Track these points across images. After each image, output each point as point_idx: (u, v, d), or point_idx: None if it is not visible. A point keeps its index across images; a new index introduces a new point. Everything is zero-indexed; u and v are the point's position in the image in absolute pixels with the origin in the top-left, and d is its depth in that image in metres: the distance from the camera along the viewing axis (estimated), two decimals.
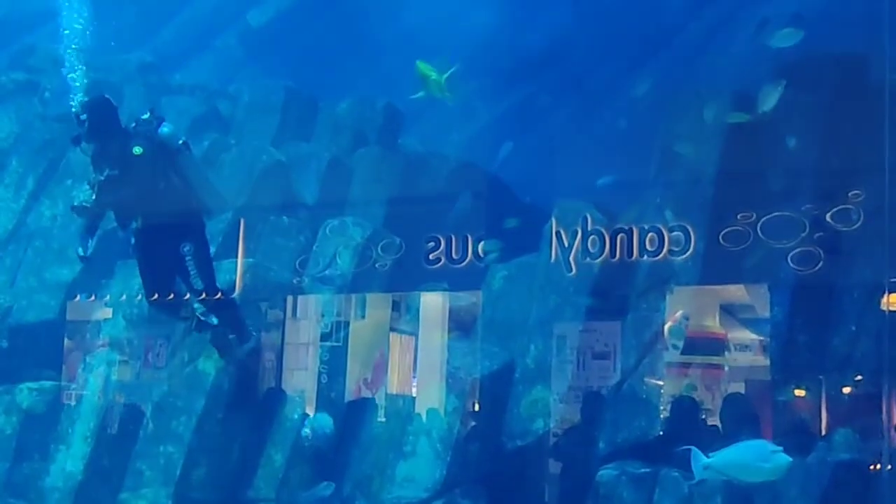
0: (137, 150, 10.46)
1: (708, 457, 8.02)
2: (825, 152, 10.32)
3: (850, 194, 10.80)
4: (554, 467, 10.53)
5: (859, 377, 11.22)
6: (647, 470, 9.60)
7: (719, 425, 10.36)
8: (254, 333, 11.42)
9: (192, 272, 10.73)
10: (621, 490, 9.59)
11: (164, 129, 10.70)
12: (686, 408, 10.56)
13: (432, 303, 13.53)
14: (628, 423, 10.25)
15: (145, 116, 10.83)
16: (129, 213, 10.81)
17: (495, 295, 11.15)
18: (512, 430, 10.41)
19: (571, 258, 12.08)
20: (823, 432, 10.28)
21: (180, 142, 10.74)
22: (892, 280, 11.22)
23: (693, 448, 7.69)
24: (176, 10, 14.53)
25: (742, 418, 9.91)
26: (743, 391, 13.21)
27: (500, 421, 10.44)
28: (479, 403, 10.86)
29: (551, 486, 10.52)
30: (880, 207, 10.55)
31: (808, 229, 11.29)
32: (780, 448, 7.25)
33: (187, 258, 10.71)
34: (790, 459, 7.15)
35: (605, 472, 9.71)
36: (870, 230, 10.61)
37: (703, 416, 11.05)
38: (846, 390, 11.39)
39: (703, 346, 13.46)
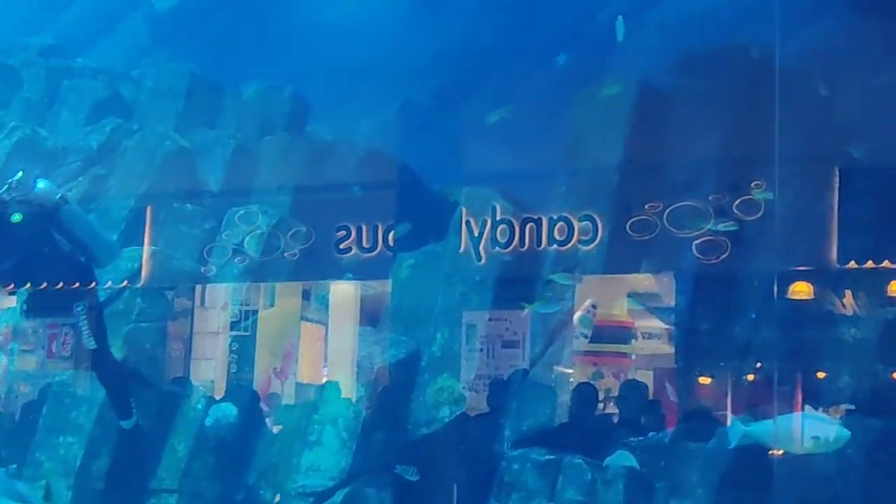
0: (16, 217, 10.06)
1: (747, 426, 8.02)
2: (729, 142, 10.44)
3: (752, 184, 10.99)
4: (460, 455, 10.56)
5: (759, 364, 11.45)
6: (552, 457, 9.65)
7: (620, 412, 10.46)
8: (134, 412, 11.05)
9: (84, 332, 10.52)
10: (526, 477, 9.65)
11: (40, 185, 10.33)
12: (589, 395, 10.63)
13: (342, 291, 13.50)
14: (534, 410, 10.31)
15: (18, 177, 10.35)
16: (16, 281, 10.56)
17: (402, 284, 11.14)
18: (418, 418, 10.42)
19: (481, 247, 12.15)
20: (724, 419, 10.42)
21: (58, 196, 10.40)
22: (792, 269, 11.48)
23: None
24: None
25: (642, 405, 10.01)
26: (649, 379, 13.39)
27: (406, 409, 10.45)
28: (385, 392, 10.84)
29: (457, 474, 10.56)
30: (778, 197, 10.77)
31: (713, 219, 11.48)
32: (839, 420, 7.28)
33: (80, 318, 10.48)
34: (849, 433, 7.18)
35: (510, 459, 9.75)
36: (769, 220, 10.82)
37: (606, 404, 11.16)
38: (748, 377, 11.60)
39: (610, 334, 13.60)
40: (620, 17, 9.96)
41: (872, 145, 9.95)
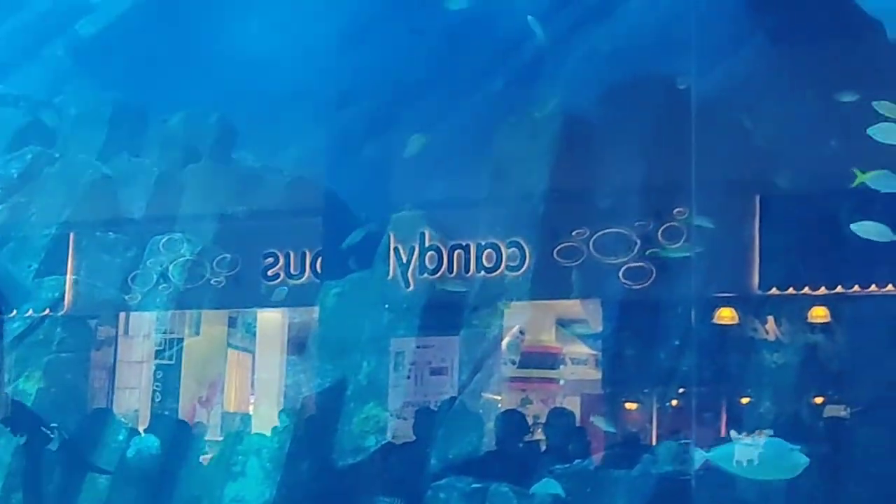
0: None
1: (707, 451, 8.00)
2: (653, 170, 10.56)
3: (675, 211, 11.13)
4: (386, 484, 10.53)
5: (684, 390, 11.56)
6: (478, 485, 9.65)
7: (547, 439, 10.48)
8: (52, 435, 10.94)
9: None
10: None
11: None
12: (516, 422, 10.64)
13: (270, 319, 13.44)
14: (461, 438, 10.30)
15: None
16: None
17: (329, 312, 11.10)
18: (343, 447, 10.37)
19: (409, 273, 12.15)
20: (649, 444, 10.50)
21: None
22: (717, 295, 11.62)
23: (690, 441, 7.72)
24: (1, 17, 14.08)
25: (569, 432, 10.04)
26: (577, 404, 13.45)
27: (331, 439, 10.39)
28: (311, 421, 10.78)
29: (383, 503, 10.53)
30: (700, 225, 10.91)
31: (638, 246, 11.59)
32: (798, 447, 7.32)
33: None
34: (807, 461, 7.22)
35: (436, 488, 9.74)
36: (696, 247, 10.94)
37: (534, 430, 11.17)
38: (672, 403, 11.71)
39: (539, 360, 13.67)
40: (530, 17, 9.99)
41: (793, 173, 10.10)
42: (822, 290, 11.27)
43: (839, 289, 11.18)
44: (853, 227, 7.88)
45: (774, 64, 9.91)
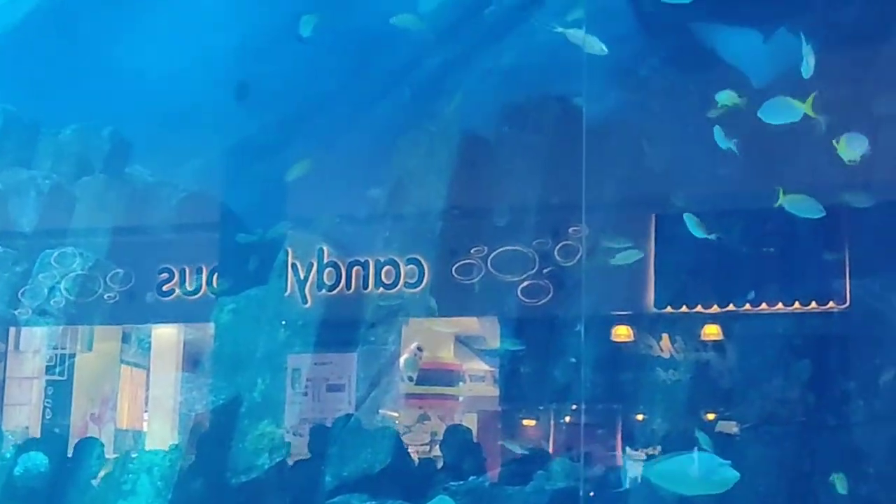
0: None
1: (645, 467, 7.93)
2: (550, 189, 10.66)
3: (571, 230, 11.26)
4: (280, 502, 10.44)
5: (580, 406, 11.68)
6: (373, 503, 9.63)
7: (442, 456, 10.49)
8: None
9: None
10: None
11: None
12: (413, 439, 10.64)
13: (164, 335, 13.26)
14: (356, 455, 10.26)
15: None
16: None
17: (224, 328, 10.98)
18: (237, 465, 10.25)
19: (307, 289, 12.09)
20: (543, 461, 10.55)
21: None
22: (613, 313, 11.76)
23: (626, 457, 7.68)
24: None
25: (464, 449, 10.06)
26: (475, 421, 13.50)
27: (224, 456, 10.27)
28: (204, 439, 10.64)
29: None
30: (599, 243, 11.04)
31: (536, 263, 11.69)
32: (728, 462, 7.33)
33: None
34: (737, 475, 7.25)
35: None
36: (590, 265, 11.07)
37: (430, 447, 11.19)
38: (568, 420, 11.82)
39: (437, 377, 13.69)
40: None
41: (687, 193, 10.25)
42: (715, 309, 11.49)
43: (731, 307, 11.41)
44: (783, 201, 7.87)
45: (668, 86, 10.08)
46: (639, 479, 10.45)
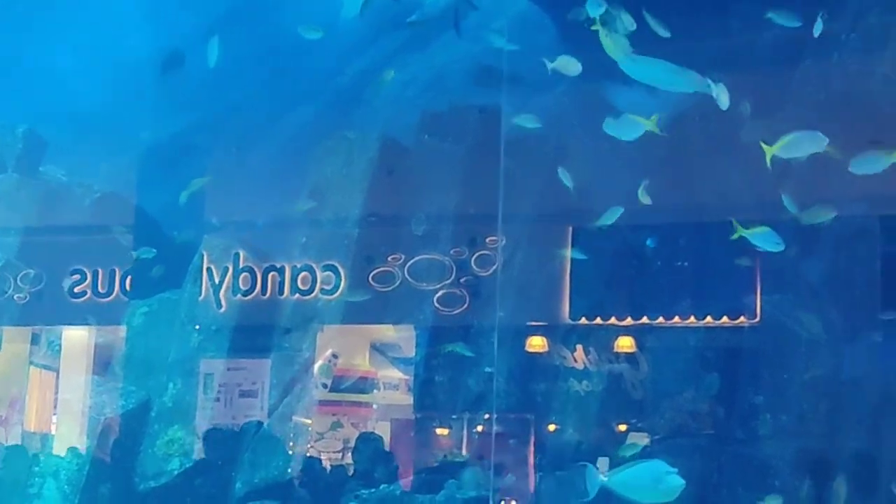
0: None
1: (605, 475, 7.88)
2: (467, 199, 10.70)
3: (488, 240, 11.32)
4: None
5: (493, 416, 11.73)
6: None
7: (354, 464, 10.46)
8: None
9: None
10: None
11: None
12: (325, 446, 10.61)
13: (75, 337, 13.07)
14: (267, 462, 10.19)
15: None
16: None
17: (136, 332, 10.86)
18: (146, 470, 10.13)
19: (222, 294, 12.01)
20: (455, 469, 10.58)
21: None
22: (529, 323, 11.84)
23: (588, 465, 7.60)
24: None
25: (376, 457, 10.04)
26: (388, 429, 13.49)
27: (133, 461, 10.14)
28: (113, 443, 10.50)
29: None
30: (515, 254, 11.11)
31: (453, 273, 11.73)
32: (675, 470, 7.32)
33: None
34: (682, 483, 7.25)
35: None
36: (507, 275, 11.13)
37: (343, 455, 11.16)
38: (480, 429, 11.86)
39: (351, 384, 13.66)
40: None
41: (604, 206, 10.34)
42: (629, 321, 11.62)
43: (644, 319, 11.54)
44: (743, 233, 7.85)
45: (586, 99, 10.17)
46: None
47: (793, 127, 7.56)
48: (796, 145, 6.83)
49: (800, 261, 9.31)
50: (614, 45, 6.40)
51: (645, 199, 8.28)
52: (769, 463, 9.57)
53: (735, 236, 8.18)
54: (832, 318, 9.67)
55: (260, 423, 10.56)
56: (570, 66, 7.93)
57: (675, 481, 7.31)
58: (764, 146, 6.69)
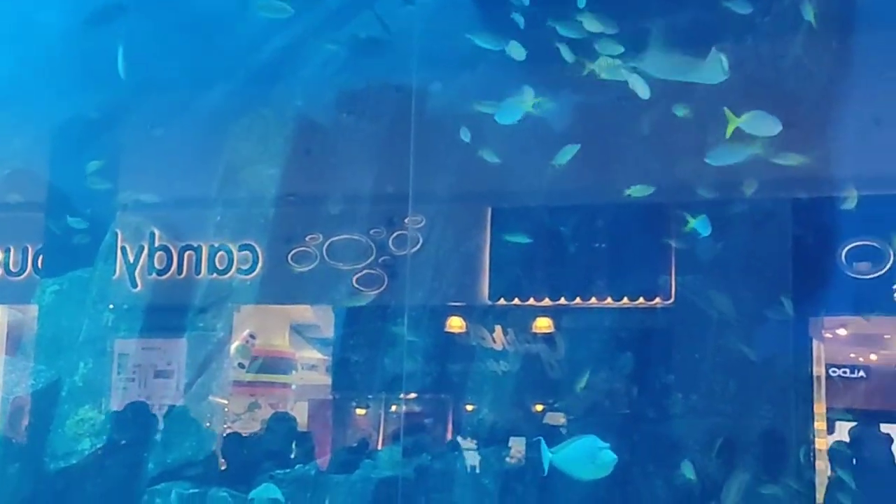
0: None
1: (552, 451, 7.85)
2: (385, 178, 10.68)
3: (407, 220, 11.30)
4: (101, 488, 10.22)
5: (412, 395, 11.77)
6: (196, 490, 9.50)
7: (269, 444, 10.43)
8: None
9: None
10: None
11: None
12: (240, 426, 10.57)
13: None
14: (181, 442, 10.12)
15: None
16: None
17: (46, 310, 10.71)
18: (56, 450, 10.00)
19: (137, 273, 11.86)
20: (371, 449, 10.61)
21: None
22: (448, 303, 11.86)
23: (541, 439, 7.56)
24: None
25: (291, 437, 10.02)
26: (306, 409, 13.47)
27: (43, 441, 10.01)
28: (22, 423, 10.36)
29: None
30: (433, 234, 11.12)
31: (372, 253, 11.71)
32: (608, 445, 7.33)
33: None
34: (615, 458, 7.26)
35: (153, 493, 9.52)
36: (424, 255, 11.15)
37: (259, 435, 11.10)
38: (396, 409, 11.88)
39: (269, 364, 13.60)
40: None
41: (520, 187, 10.39)
42: (546, 302, 11.69)
43: (562, 300, 11.63)
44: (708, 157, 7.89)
45: (505, 78, 10.19)
46: (468, 469, 10.58)
47: (707, 109, 7.67)
48: (755, 123, 6.89)
49: (713, 243, 9.43)
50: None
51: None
52: (680, 441, 9.71)
53: (688, 228, 8.30)
54: (743, 298, 9.82)
55: (175, 404, 10.49)
56: (516, 51, 7.97)
57: (608, 456, 7.42)
58: (728, 114, 6.74)
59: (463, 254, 11.52)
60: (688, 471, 8.79)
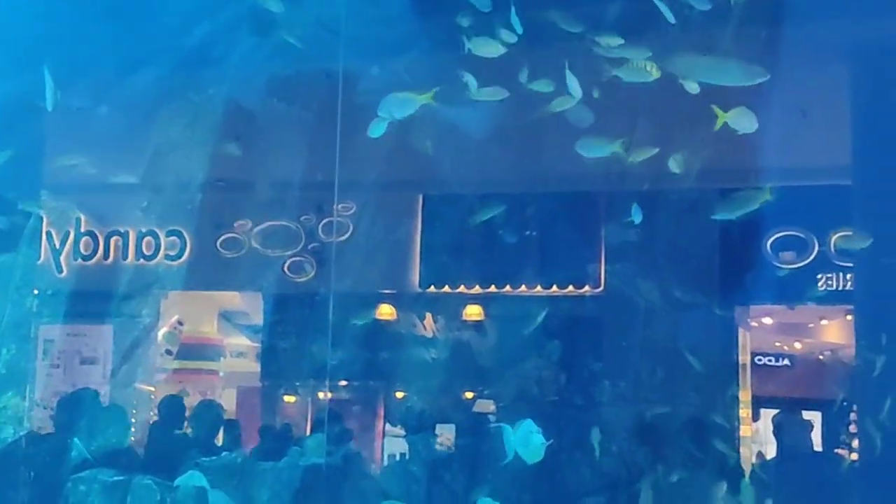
0: None
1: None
2: (315, 165, 10.61)
3: (339, 207, 11.26)
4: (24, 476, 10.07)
5: (342, 383, 11.77)
6: (121, 478, 9.38)
7: (195, 432, 10.33)
8: None
9: None
10: (92, 498, 9.31)
11: None
12: (166, 414, 10.43)
13: None
14: (105, 429, 9.98)
15: None
16: None
17: None
18: None
19: (62, 259, 11.71)
20: (300, 436, 10.57)
21: None
22: (379, 291, 11.85)
23: (504, 426, 7.50)
24: None
25: (218, 424, 9.93)
26: (234, 397, 13.39)
27: None
28: None
29: (20, 496, 10.05)
30: (363, 221, 11.10)
31: (303, 240, 11.66)
32: (539, 429, 7.30)
33: None
34: (544, 441, 7.24)
35: (76, 481, 9.39)
36: (354, 242, 11.12)
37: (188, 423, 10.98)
38: (324, 396, 11.85)
39: (198, 351, 13.50)
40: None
41: (452, 175, 10.39)
42: (477, 289, 11.73)
43: (492, 288, 11.67)
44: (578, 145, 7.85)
45: (434, 68, 10.17)
46: (396, 457, 10.60)
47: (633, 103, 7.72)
48: (739, 119, 6.93)
49: (642, 231, 9.50)
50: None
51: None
52: (607, 428, 9.79)
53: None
54: (671, 287, 9.92)
55: (101, 390, 10.36)
56: (489, 47, 7.88)
57: (538, 440, 7.45)
58: (717, 111, 6.77)
59: (393, 241, 11.52)
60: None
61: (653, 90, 7.40)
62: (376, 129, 7.42)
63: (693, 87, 6.94)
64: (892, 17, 8.20)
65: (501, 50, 7.36)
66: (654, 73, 6.71)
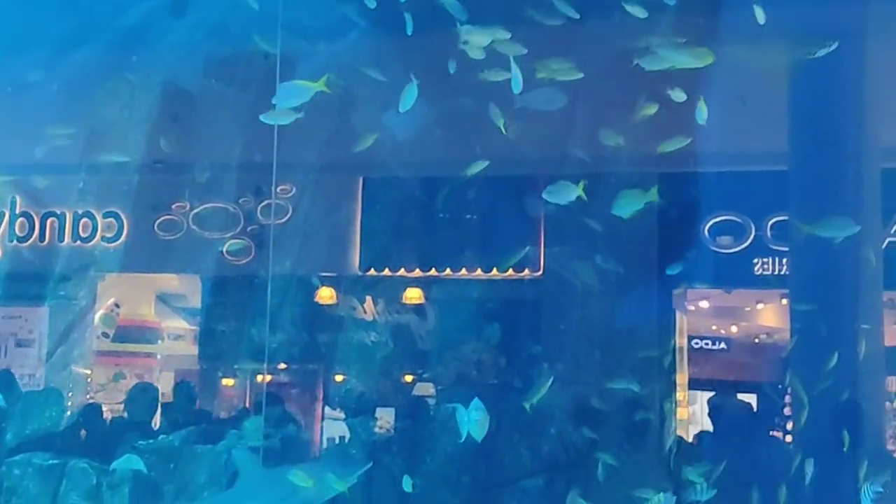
0: None
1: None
2: (254, 147, 10.53)
3: (278, 189, 11.21)
4: None
5: (282, 366, 11.72)
6: (55, 462, 9.28)
7: (132, 415, 10.26)
8: None
9: None
10: (27, 482, 9.21)
11: None
12: (103, 397, 10.37)
13: None
14: (40, 413, 9.87)
15: None
16: None
17: None
18: None
19: None
20: (237, 420, 10.49)
21: None
22: (319, 274, 11.81)
23: (458, 406, 7.45)
24: None
25: (154, 407, 9.85)
26: (172, 380, 13.27)
27: None
28: None
29: None
30: (302, 203, 11.06)
31: (242, 222, 11.59)
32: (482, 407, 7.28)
33: None
34: (478, 418, 7.21)
35: (10, 465, 9.28)
36: (294, 225, 11.08)
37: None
38: (263, 378, 11.79)
39: (135, 334, 13.38)
40: None
41: (394, 158, 10.37)
42: (417, 273, 11.74)
43: (433, 271, 11.69)
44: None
45: (376, 50, 10.13)
46: (335, 440, 10.59)
47: (573, 87, 7.73)
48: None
49: (580, 215, 9.54)
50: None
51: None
52: (545, 410, 9.84)
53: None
54: (609, 270, 9.96)
55: (35, 372, 10.26)
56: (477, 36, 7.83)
57: (475, 416, 7.48)
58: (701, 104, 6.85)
59: (333, 224, 11.49)
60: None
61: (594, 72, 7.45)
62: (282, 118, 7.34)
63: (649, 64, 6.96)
64: (830, 3, 8.31)
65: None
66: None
